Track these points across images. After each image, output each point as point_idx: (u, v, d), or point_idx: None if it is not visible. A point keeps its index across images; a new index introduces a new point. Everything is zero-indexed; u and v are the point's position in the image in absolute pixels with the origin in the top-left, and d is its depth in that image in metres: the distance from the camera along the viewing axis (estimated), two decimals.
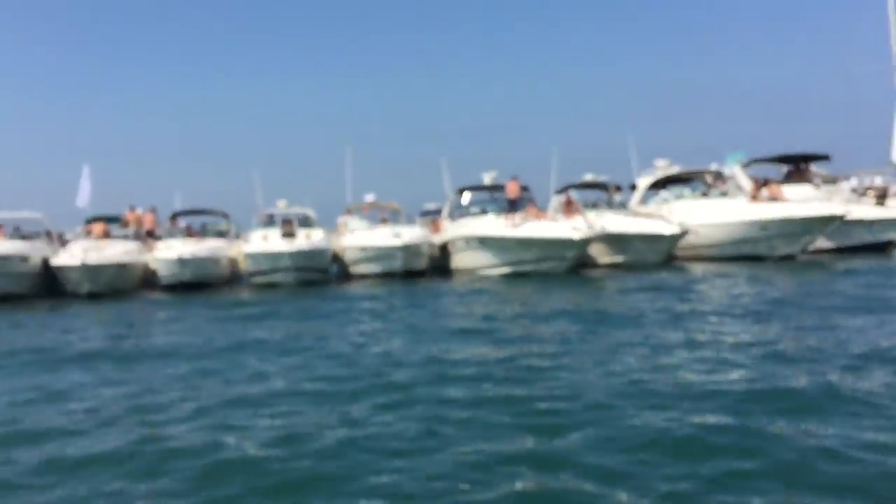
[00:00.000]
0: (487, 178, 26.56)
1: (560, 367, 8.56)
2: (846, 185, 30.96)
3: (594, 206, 26.36)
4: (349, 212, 28.95)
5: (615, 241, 23.29)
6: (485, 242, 23.08)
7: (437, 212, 36.38)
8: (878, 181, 32.67)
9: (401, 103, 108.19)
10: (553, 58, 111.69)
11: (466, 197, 27.36)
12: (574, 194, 27.41)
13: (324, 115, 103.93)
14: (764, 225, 23.16)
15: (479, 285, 20.36)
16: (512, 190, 23.55)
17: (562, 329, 11.54)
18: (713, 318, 11.87)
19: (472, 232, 23.77)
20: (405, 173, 71.70)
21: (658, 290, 16.71)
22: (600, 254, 24.13)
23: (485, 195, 26.96)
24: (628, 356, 9.01)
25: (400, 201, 29.01)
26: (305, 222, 25.56)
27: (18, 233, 25.16)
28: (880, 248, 25.13)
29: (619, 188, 28.85)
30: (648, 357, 8.90)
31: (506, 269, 22.65)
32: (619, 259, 23.95)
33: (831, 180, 30.03)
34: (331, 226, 28.11)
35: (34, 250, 23.13)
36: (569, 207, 24.71)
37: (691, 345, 9.60)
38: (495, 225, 22.92)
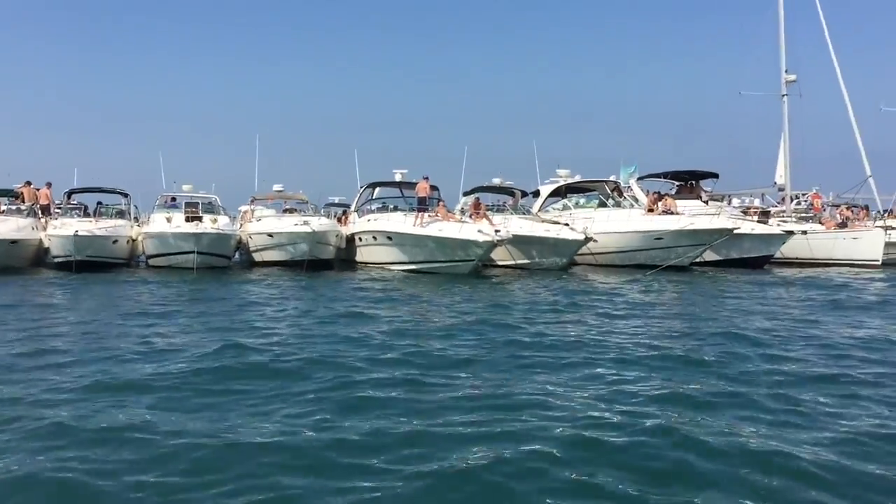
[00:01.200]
0: (398, 175, 26.85)
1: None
2: (735, 202, 33.09)
3: (500, 209, 27.07)
4: (254, 200, 28.59)
5: (521, 244, 24.04)
6: (392, 239, 23.35)
7: (342, 205, 36.38)
8: (757, 202, 35.09)
9: (312, 93, 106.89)
10: (465, 61, 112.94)
11: (376, 192, 27.57)
12: (482, 197, 28.06)
13: (235, 102, 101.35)
14: (660, 235, 24.49)
15: (382, 280, 20.62)
16: (422, 189, 23.91)
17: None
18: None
19: (381, 227, 24.01)
20: (315, 165, 70.95)
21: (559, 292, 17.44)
22: (504, 256, 24.85)
23: (394, 191, 27.23)
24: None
25: (305, 194, 28.92)
26: (210, 208, 25.11)
27: None
28: (760, 263, 26.95)
29: (524, 193, 29.73)
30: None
31: (411, 267, 23.00)
32: (522, 262, 24.74)
33: (719, 198, 32.05)
34: (234, 214, 27.72)
35: None
36: (477, 210, 25.33)
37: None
38: (404, 222, 23.22)
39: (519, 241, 23.84)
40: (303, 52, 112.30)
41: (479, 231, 21.68)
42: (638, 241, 25.02)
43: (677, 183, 31.16)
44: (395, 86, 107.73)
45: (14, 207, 23.99)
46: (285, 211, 27.73)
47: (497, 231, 21.71)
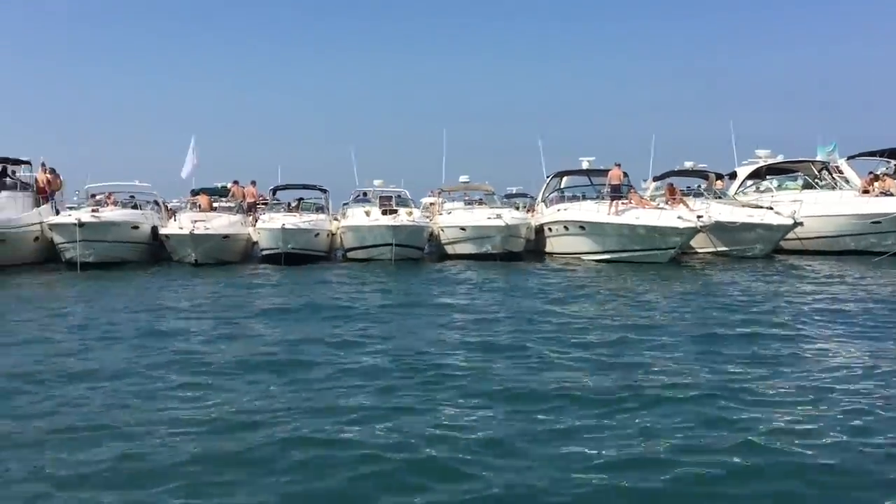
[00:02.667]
0: (585, 163, 26.27)
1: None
2: None
3: (696, 194, 25.83)
4: (441, 192, 28.96)
5: (722, 230, 22.81)
6: (585, 228, 22.85)
7: (521, 195, 36.20)
8: None
9: (494, 84, 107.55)
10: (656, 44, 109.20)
11: (563, 181, 27.14)
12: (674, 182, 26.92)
13: (419, 96, 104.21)
14: (877, 219, 22.42)
15: (576, 270, 20.21)
16: (615, 176, 23.20)
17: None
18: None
19: (572, 217, 23.56)
20: (496, 155, 71.40)
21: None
22: (703, 243, 23.66)
23: (582, 180, 26.68)
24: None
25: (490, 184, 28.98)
26: (402, 201, 25.70)
27: (131, 202, 25.95)
28: None
29: (720, 177, 28.25)
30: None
31: (605, 256, 22.41)
32: (722, 249, 23.46)
33: None
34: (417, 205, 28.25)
35: (144, 219, 23.84)
36: (673, 195, 24.28)
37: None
38: (597, 211, 22.66)
39: (720, 227, 22.62)
40: (482, 43, 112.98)
41: (680, 217, 20.75)
42: (852, 225, 23.04)
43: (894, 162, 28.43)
44: (577, 73, 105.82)
45: (225, 205, 25.66)
46: (471, 202, 27.89)
47: (699, 217, 20.69)
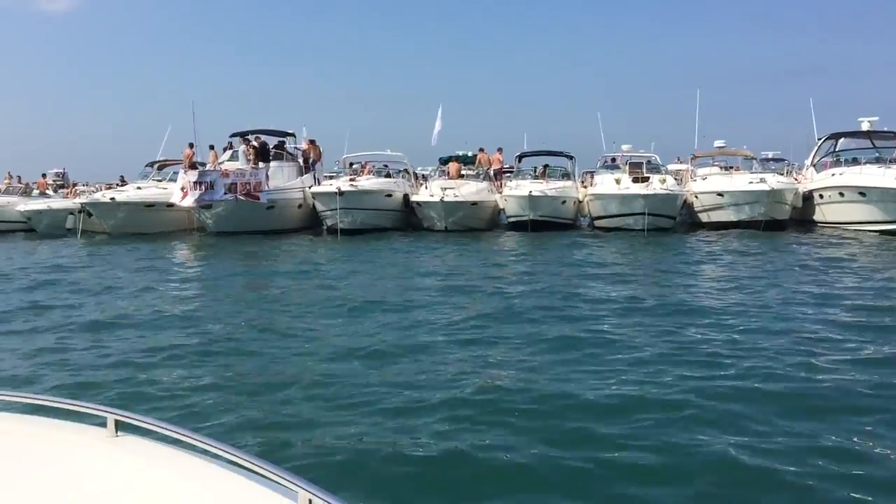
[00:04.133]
0: (865, 124, 23.34)
1: None
2: None
3: None
4: (695, 157, 27.14)
5: None
6: (866, 195, 20.26)
7: (777, 160, 33.14)
8: None
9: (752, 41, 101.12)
10: None
11: (839, 143, 24.36)
12: None
13: (665, 58, 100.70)
14: None
15: (861, 243, 17.94)
16: None
17: None
18: None
19: (852, 182, 21.00)
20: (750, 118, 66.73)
21: None
22: None
23: (861, 142, 23.75)
24: None
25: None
26: (652, 168, 24.39)
27: (384, 170, 27.06)
28: None
29: None
30: None
31: (891, 227, 19.75)
32: None
33: None
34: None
35: (397, 187, 24.67)
36: None
37: None
38: (883, 175, 19.97)
39: None
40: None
41: None
42: None
43: None
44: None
45: (470, 172, 25.86)
46: (727, 168, 25.90)
47: None
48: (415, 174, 28.27)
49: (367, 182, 23.73)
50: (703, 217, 23.40)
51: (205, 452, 1.91)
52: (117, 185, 27.88)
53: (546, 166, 26.22)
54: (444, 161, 26.37)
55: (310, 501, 1.63)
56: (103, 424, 2.11)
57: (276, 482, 1.73)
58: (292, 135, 27.32)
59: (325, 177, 26.11)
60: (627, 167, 23.92)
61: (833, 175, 22.27)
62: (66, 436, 2.11)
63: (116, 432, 2.09)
